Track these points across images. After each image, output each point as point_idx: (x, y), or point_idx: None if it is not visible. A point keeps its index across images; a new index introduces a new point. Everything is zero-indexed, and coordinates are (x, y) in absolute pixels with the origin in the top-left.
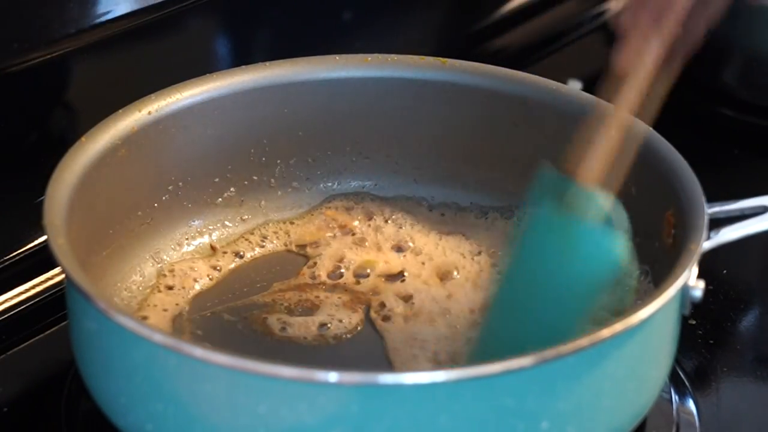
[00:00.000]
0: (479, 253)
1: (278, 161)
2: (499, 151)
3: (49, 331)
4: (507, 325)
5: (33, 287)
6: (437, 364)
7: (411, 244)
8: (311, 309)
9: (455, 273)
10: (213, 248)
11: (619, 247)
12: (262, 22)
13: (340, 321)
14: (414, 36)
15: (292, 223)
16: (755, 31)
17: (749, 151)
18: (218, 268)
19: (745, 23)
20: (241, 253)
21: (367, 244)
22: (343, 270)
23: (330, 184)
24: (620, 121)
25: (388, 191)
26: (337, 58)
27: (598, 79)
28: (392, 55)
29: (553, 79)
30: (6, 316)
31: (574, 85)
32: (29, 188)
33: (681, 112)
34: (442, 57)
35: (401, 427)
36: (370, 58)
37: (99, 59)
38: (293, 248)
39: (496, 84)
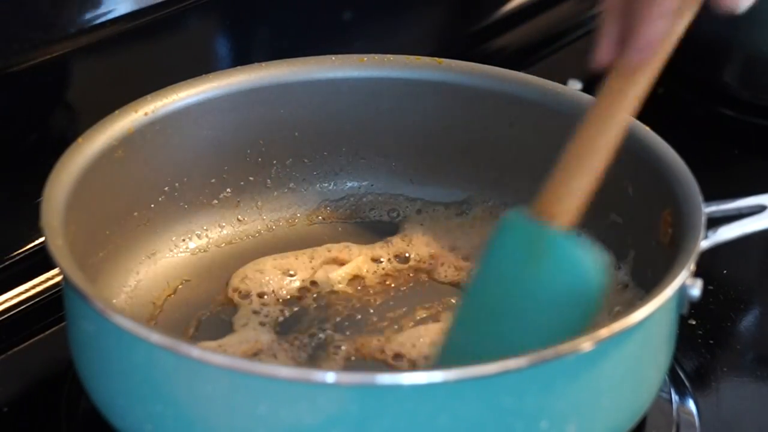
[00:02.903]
0: (477, 253)
1: (274, 162)
2: (496, 151)
3: (48, 331)
4: (470, 338)
5: (33, 287)
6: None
7: (408, 244)
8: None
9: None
10: None
11: (596, 271)
12: (261, 22)
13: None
14: (413, 36)
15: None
16: (755, 31)
17: (749, 151)
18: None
19: (745, 23)
20: None
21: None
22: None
23: (326, 184)
24: (606, 144)
25: (384, 191)
26: (333, 58)
27: (598, 79)
28: (388, 56)
29: (553, 79)
30: (6, 316)
31: (574, 85)
32: (29, 188)
33: (681, 112)
34: (442, 57)
35: (400, 427)
36: (366, 59)
37: (99, 59)
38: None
39: (492, 84)
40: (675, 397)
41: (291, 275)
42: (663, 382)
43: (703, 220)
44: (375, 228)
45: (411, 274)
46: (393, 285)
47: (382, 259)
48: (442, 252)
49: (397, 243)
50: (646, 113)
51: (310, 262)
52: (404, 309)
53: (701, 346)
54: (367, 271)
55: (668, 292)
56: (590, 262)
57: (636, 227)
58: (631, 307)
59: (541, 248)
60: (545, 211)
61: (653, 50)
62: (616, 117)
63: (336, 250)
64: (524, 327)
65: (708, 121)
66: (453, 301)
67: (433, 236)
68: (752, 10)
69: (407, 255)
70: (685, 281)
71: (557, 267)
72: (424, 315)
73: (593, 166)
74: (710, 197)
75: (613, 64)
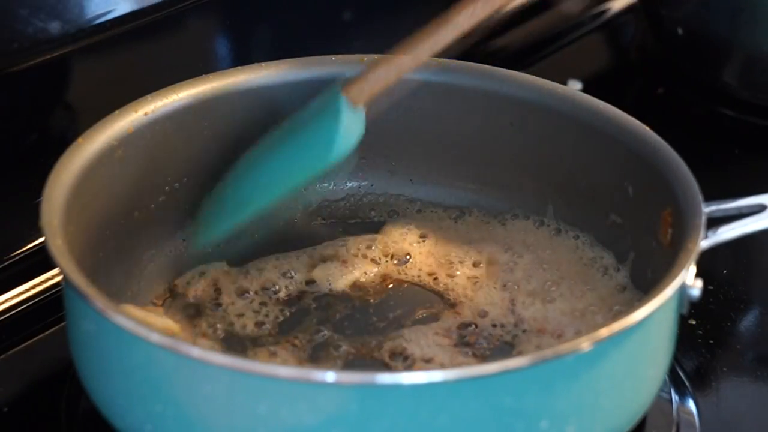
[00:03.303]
0: (476, 253)
1: None
2: (496, 151)
3: (48, 331)
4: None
5: (33, 287)
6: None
7: (407, 245)
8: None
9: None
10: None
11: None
12: (261, 22)
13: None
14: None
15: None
16: (755, 31)
17: (749, 151)
18: None
19: (745, 23)
20: None
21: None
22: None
23: (326, 184)
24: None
25: (384, 192)
26: (333, 58)
27: (598, 79)
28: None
29: (553, 79)
30: (6, 316)
31: (574, 85)
32: (29, 188)
33: (681, 112)
34: (442, 57)
35: (400, 427)
36: (365, 58)
37: (99, 59)
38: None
39: (492, 84)
40: (675, 397)
41: (291, 275)
42: (663, 382)
43: (703, 220)
44: (375, 228)
45: (410, 275)
46: (392, 285)
47: (381, 260)
48: (442, 252)
49: (396, 243)
50: (646, 113)
51: (310, 260)
52: (403, 309)
53: (701, 346)
54: (367, 272)
55: (668, 292)
56: (344, 119)
57: (636, 227)
58: (631, 307)
59: (320, 104)
60: (346, 86)
61: None
62: (439, 31)
63: (332, 247)
64: (280, 161)
65: (708, 121)
66: (453, 300)
67: (432, 236)
68: (752, 10)
69: (407, 255)
70: (685, 281)
71: (320, 116)
72: (424, 315)
73: (399, 65)
74: (710, 197)
75: None
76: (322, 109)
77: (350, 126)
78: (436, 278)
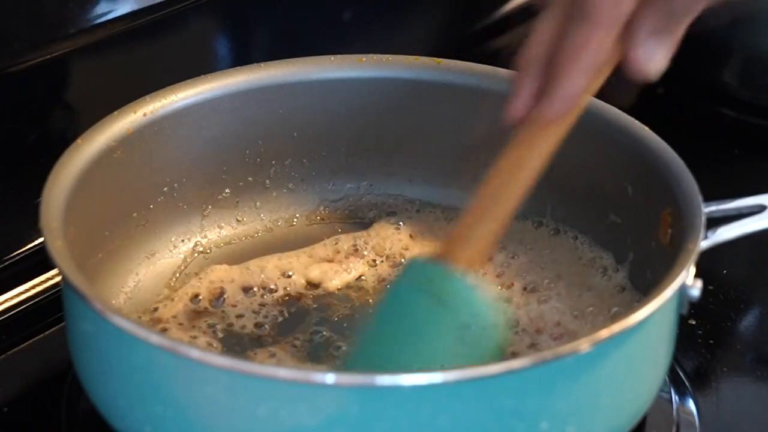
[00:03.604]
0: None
1: (273, 162)
2: (495, 151)
3: (48, 332)
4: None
5: (33, 287)
6: None
7: (406, 245)
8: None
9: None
10: None
11: (492, 311)
12: (261, 22)
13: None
14: (413, 36)
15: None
16: (755, 31)
17: (749, 151)
18: None
19: (745, 23)
20: None
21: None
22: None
23: (325, 184)
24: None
25: (383, 192)
26: (332, 58)
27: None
28: (387, 56)
29: None
30: (6, 316)
31: None
32: (29, 189)
33: (681, 112)
34: (442, 57)
35: (400, 428)
36: (364, 59)
37: (99, 59)
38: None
39: (492, 84)
40: (675, 397)
41: (290, 276)
42: (663, 382)
43: (703, 220)
44: (374, 228)
45: None
46: (390, 285)
47: (380, 260)
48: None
49: (395, 243)
50: (646, 113)
51: (309, 260)
52: None
53: (701, 346)
54: (366, 272)
55: (668, 292)
56: (486, 304)
57: (636, 227)
58: (630, 307)
59: (440, 290)
60: (449, 254)
61: (572, 104)
62: (525, 167)
63: (331, 247)
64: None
65: (708, 121)
66: None
67: (432, 237)
68: (752, 10)
69: (405, 256)
70: (684, 281)
71: (455, 309)
72: None
73: (499, 214)
74: (710, 197)
75: (528, 116)
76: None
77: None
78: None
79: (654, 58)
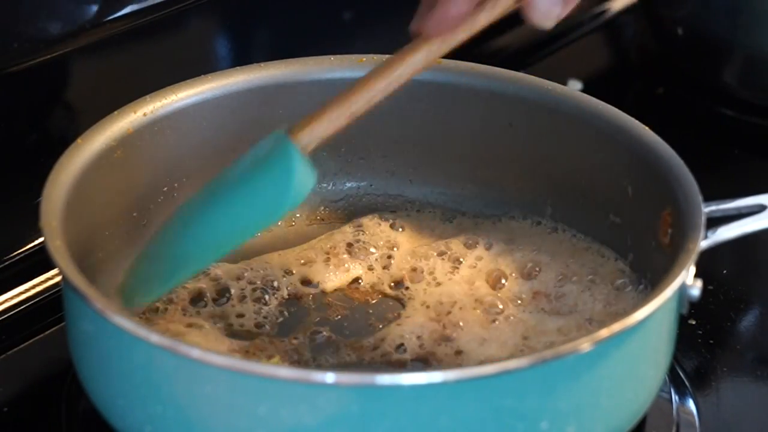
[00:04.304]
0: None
1: None
2: (495, 151)
3: (48, 332)
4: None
5: (33, 287)
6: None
7: (405, 245)
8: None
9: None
10: None
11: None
12: (261, 22)
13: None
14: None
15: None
16: (755, 31)
17: (749, 151)
18: None
19: (745, 23)
20: None
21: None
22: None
23: (325, 185)
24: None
25: (383, 192)
26: (332, 58)
27: (598, 79)
28: (386, 56)
29: (553, 79)
30: (6, 316)
31: (574, 85)
32: (29, 189)
33: (681, 112)
34: (442, 57)
35: (400, 428)
36: (364, 59)
37: (99, 59)
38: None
39: (492, 84)
40: (675, 397)
41: (290, 276)
42: (663, 382)
43: (703, 220)
44: (373, 229)
45: (409, 275)
46: (391, 285)
47: (379, 260)
48: (440, 251)
49: (394, 243)
50: (646, 113)
51: (309, 260)
52: (403, 309)
53: (701, 346)
54: (366, 272)
55: (668, 292)
56: (298, 169)
57: (636, 227)
58: (630, 307)
59: (268, 152)
60: (295, 131)
61: (447, 26)
62: (394, 69)
63: (331, 247)
64: (226, 215)
65: (708, 121)
66: (453, 300)
67: (432, 237)
68: (752, 10)
69: (405, 255)
70: (684, 281)
71: (270, 166)
72: (423, 315)
73: (352, 99)
74: (710, 197)
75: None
76: (269, 158)
77: (302, 176)
78: (435, 278)
79: (550, 6)
